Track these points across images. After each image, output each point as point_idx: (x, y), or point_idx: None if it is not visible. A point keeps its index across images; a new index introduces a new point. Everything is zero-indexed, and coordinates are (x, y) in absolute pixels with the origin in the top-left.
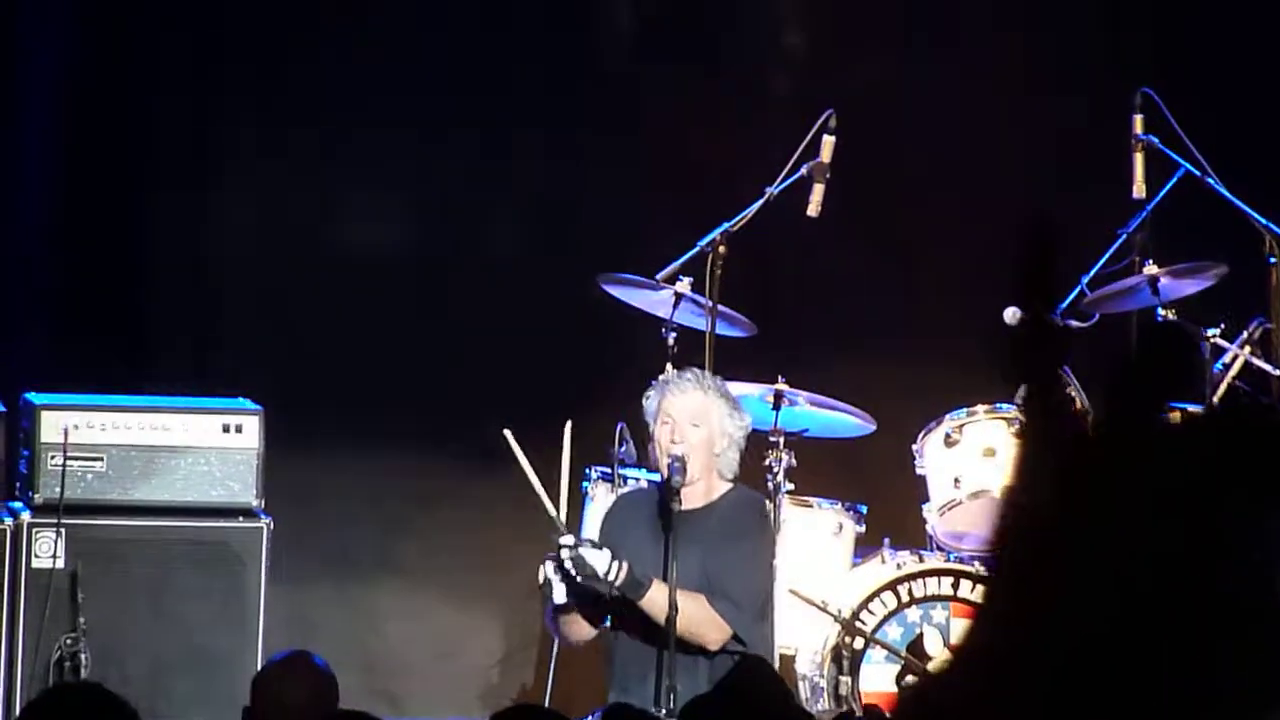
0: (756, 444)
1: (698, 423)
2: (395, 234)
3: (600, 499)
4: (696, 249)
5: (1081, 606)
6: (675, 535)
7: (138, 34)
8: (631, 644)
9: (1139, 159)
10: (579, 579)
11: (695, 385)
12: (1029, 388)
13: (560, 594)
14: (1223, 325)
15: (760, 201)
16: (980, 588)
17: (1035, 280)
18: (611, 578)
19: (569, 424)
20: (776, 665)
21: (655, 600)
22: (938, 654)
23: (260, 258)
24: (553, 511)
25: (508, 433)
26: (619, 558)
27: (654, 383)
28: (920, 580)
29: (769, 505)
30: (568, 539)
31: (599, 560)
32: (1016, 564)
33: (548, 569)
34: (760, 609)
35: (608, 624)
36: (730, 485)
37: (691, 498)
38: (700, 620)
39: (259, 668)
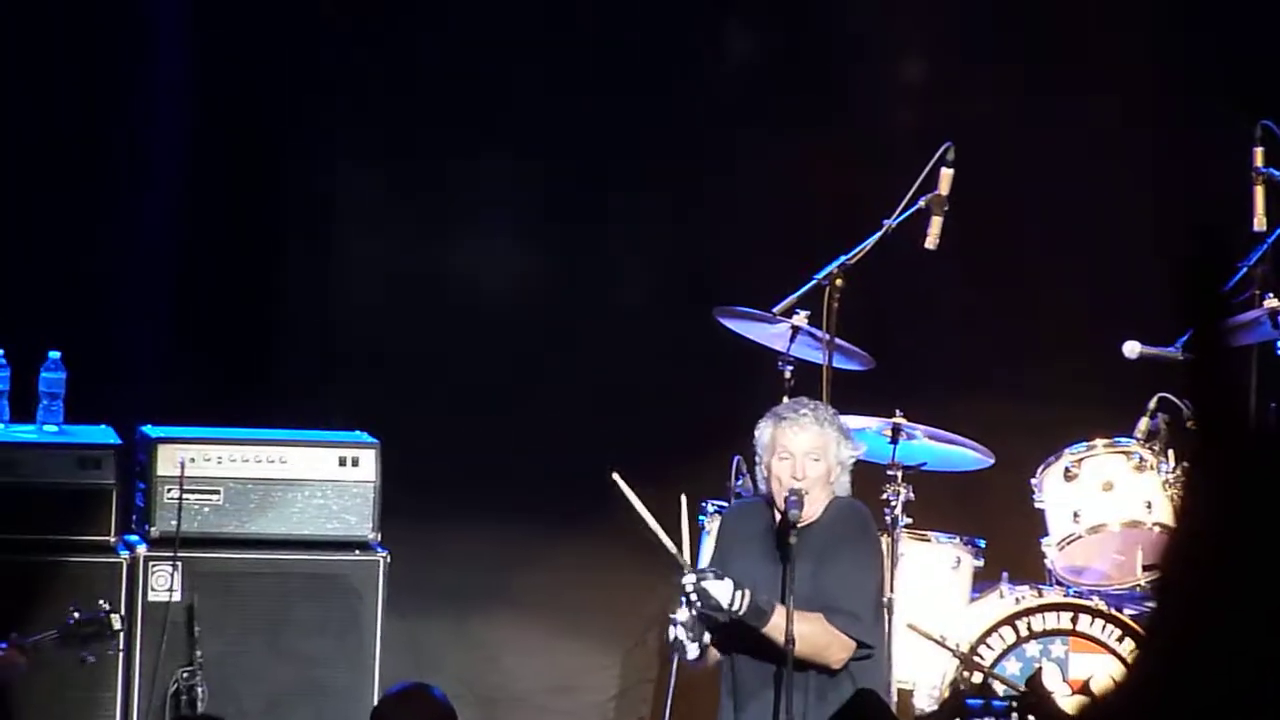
0: (874, 477)
1: (817, 457)
2: (516, 273)
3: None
4: (813, 282)
5: (1251, 636)
6: (787, 556)
7: (266, 77)
8: (748, 665)
9: (1259, 192)
10: (703, 610)
11: (813, 420)
12: (1202, 410)
13: (693, 651)
14: None
15: (878, 234)
16: (1147, 613)
17: (1205, 299)
18: (735, 608)
19: (683, 497)
20: (894, 699)
21: (778, 627)
22: (1056, 690)
23: (384, 294)
24: (672, 548)
25: (616, 476)
26: (741, 587)
27: (767, 413)
28: (1039, 615)
29: (868, 511)
30: (689, 576)
31: (722, 592)
32: (1187, 589)
33: (678, 630)
34: (876, 612)
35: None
36: (830, 497)
37: (803, 517)
38: (824, 643)
39: (375, 701)
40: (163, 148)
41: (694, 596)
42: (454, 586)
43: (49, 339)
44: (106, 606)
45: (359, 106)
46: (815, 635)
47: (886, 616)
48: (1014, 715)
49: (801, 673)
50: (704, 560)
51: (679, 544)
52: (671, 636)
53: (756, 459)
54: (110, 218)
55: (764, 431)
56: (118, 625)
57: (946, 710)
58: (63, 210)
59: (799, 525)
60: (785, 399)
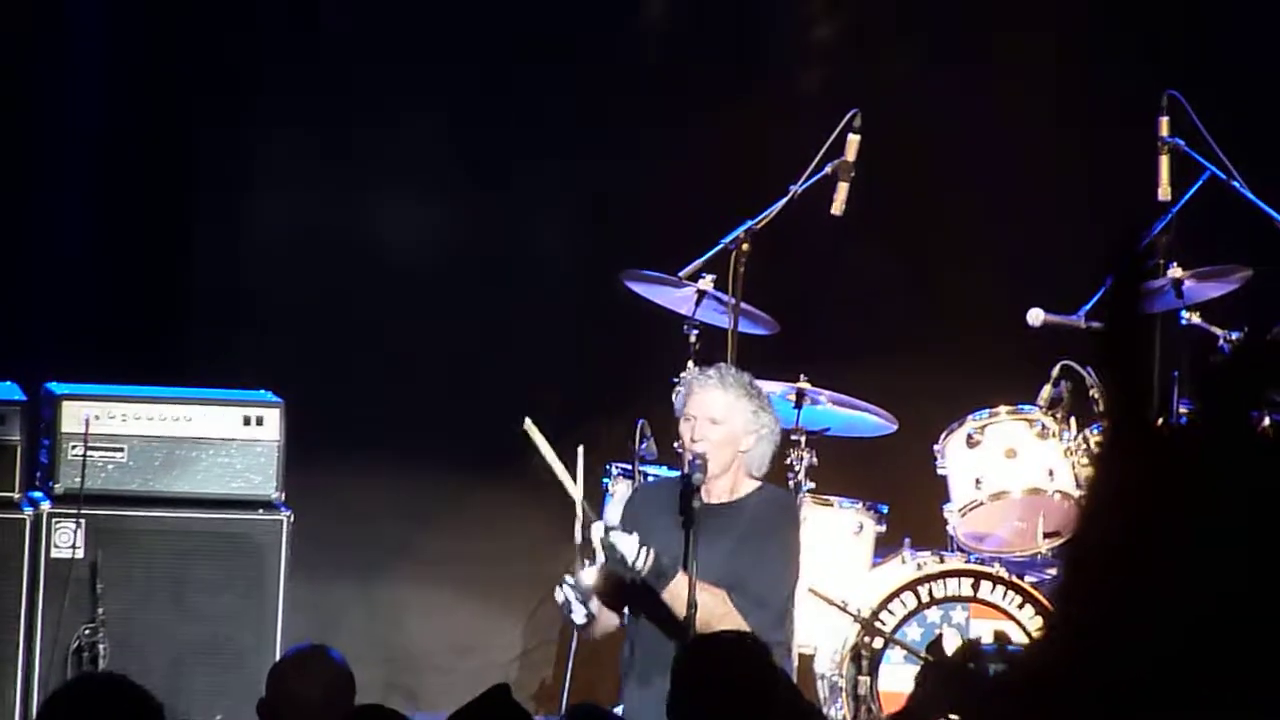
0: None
1: (718, 420)
2: (421, 231)
3: (621, 495)
4: (719, 246)
5: (1175, 601)
6: (698, 529)
7: (174, 37)
8: (651, 635)
9: (1164, 161)
10: (607, 563)
11: (717, 383)
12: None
13: (580, 615)
14: (1246, 329)
15: (784, 200)
16: (1056, 582)
17: (1127, 286)
18: (639, 565)
19: (580, 448)
20: (795, 664)
21: (677, 592)
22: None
23: (286, 253)
24: (579, 497)
25: (529, 421)
26: (647, 545)
27: (680, 380)
28: (940, 581)
29: (799, 504)
30: (599, 525)
31: (628, 546)
32: (1104, 553)
33: (566, 591)
34: (783, 610)
35: (628, 616)
36: (758, 484)
37: (716, 493)
38: (719, 615)
39: (277, 659)
40: (70, 104)
41: (601, 549)
42: (357, 546)
43: None
44: None
45: (268, 64)
46: (713, 606)
47: (792, 617)
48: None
49: None
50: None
51: (586, 497)
52: (560, 599)
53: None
54: (15, 176)
55: (678, 397)
56: None
57: (961, 654)
58: None
59: (714, 503)
60: (690, 364)
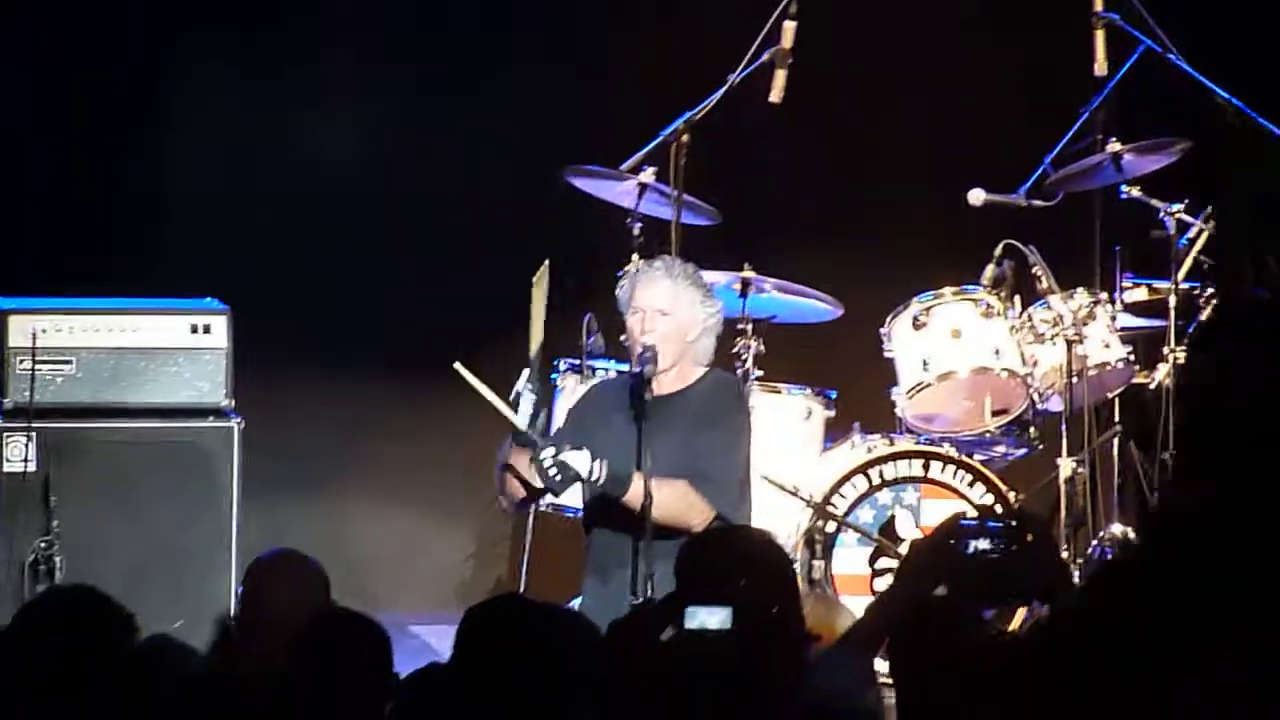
0: (724, 331)
1: (667, 311)
2: (360, 137)
3: (570, 390)
4: (660, 138)
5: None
6: (651, 422)
7: None
8: (609, 533)
9: (1100, 36)
10: (560, 480)
11: (664, 274)
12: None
13: (523, 420)
14: (1186, 201)
15: (722, 89)
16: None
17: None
18: (594, 478)
19: (459, 365)
20: None
21: (638, 493)
22: (908, 536)
23: (229, 167)
24: (523, 425)
25: (458, 365)
26: (598, 457)
27: (625, 273)
28: (891, 463)
29: (744, 386)
30: (547, 450)
31: (580, 462)
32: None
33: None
34: (741, 488)
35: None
36: (704, 370)
37: (665, 384)
38: (683, 506)
39: (233, 567)
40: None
41: (553, 470)
42: (306, 454)
43: None
44: None
45: None
46: (675, 499)
47: (749, 498)
48: (1011, 530)
49: (664, 541)
50: (556, 421)
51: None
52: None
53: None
54: None
55: (623, 291)
56: None
57: (941, 531)
58: None
59: (664, 394)
60: (634, 257)
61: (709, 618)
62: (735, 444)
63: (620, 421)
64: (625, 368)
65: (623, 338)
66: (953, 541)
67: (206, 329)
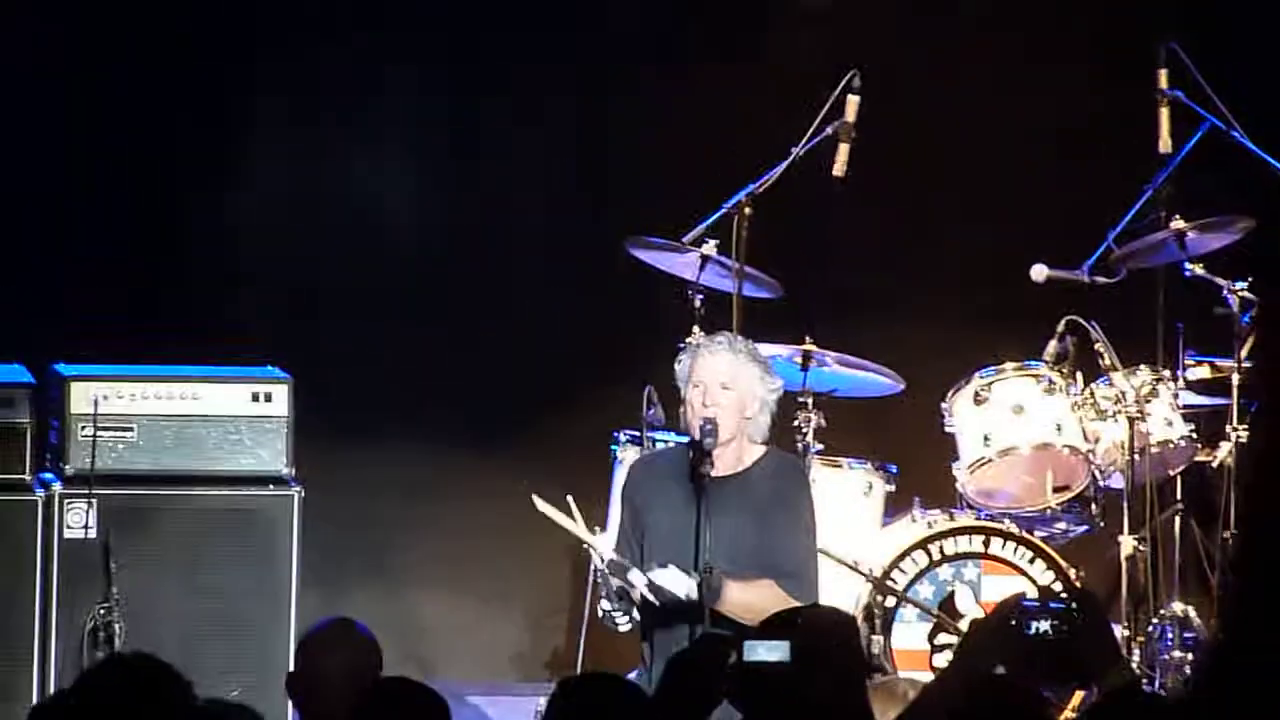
0: (785, 405)
1: (729, 385)
2: (424, 203)
3: (629, 462)
4: (722, 210)
5: None
6: (709, 500)
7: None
8: (668, 632)
9: (1164, 114)
10: (660, 604)
11: (727, 349)
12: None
13: (625, 626)
14: (1250, 279)
15: (785, 162)
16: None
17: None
18: (694, 596)
19: (570, 499)
20: None
21: (731, 600)
22: (968, 612)
23: (288, 230)
24: (608, 554)
25: (537, 500)
26: (689, 572)
27: (685, 346)
28: (951, 539)
29: (806, 465)
30: (638, 578)
31: (676, 584)
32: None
33: (606, 605)
34: (815, 578)
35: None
36: (763, 449)
37: (723, 463)
38: (774, 605)
39: (291, 635)
40: (62, 81)
41: (650, 595)
42: (367, 522)
43: None
44: None
45: (263, 32)
46: (769, 601)
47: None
48: (1073, 612)
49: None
50: (613, 509)
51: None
52: (601, 613)
53: (683, 398)
54: (15, 156)
55: (683, 364)
56: None
57: (1001, 611)
58: None
59: (725, 474)
60: (696, 329)
61: (767, 652)
62: (809, 531)
63: (673, 498)
64: (685, 440)
65: (681, 410)
66: (1013, 622)
67: (268, 397)
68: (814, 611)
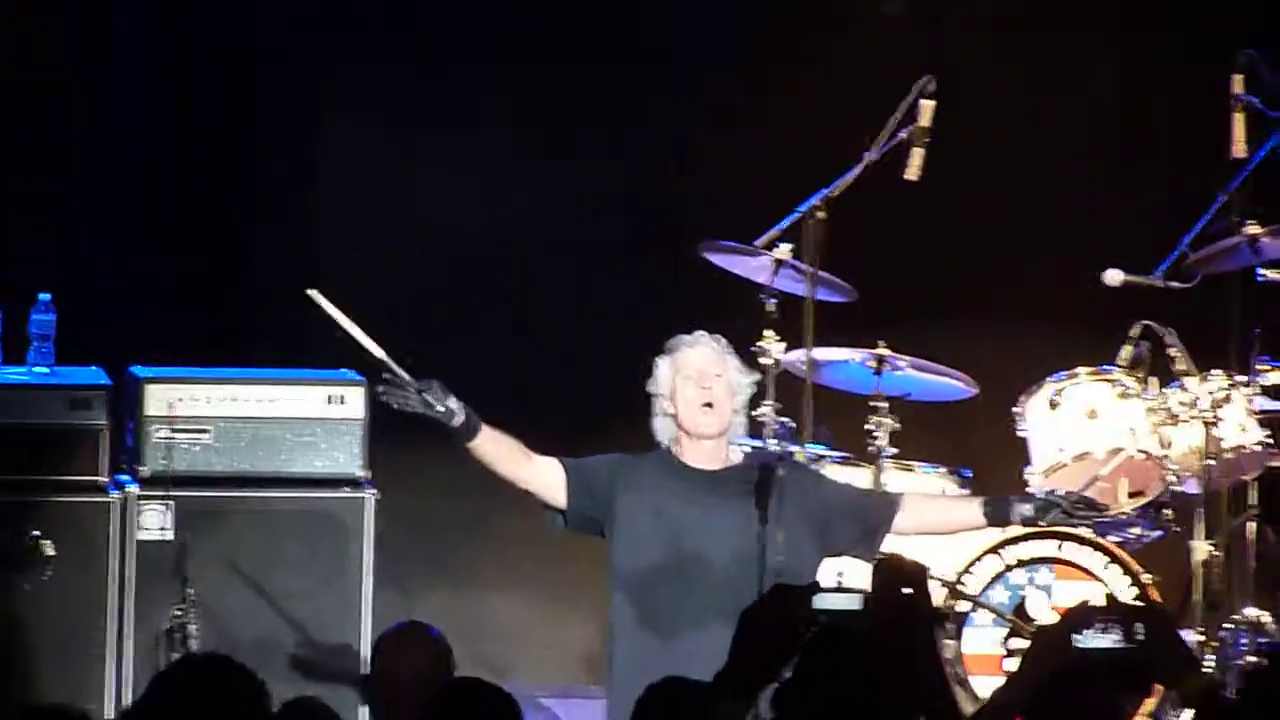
0: (859, 409)
1: (720, 374)
2: (496, 206)
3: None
4: (796, 215)
5: None
6: (704, 491)
7: (245, 13)
8: (675, 590)
9: (1239, 119)
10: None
11: (708, 342)
12: None
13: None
14: None
15: (859, 166)
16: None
17: None
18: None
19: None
20: None
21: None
22: (1041, 617)
23: (363, 233)
24: (380, 353)
25: (313, 293)
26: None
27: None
28: (1025, 543)
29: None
30: (410, 384)
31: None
32: None
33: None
34: None
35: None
36: (744, 449)
37: (709, 457)
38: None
39: (365, 638)
40: (143, 86)
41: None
42: (438, 522)
43: (39, 281)
44: (37, 533)
45: (341, 41)
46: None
47: None
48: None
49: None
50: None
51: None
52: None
53: (655, 406)
54: (97, 160)
55: (661, 367)
56: (50, 551)
57: (1064, 621)
58: (49, 154)
59: (707, 467)
60: (769, 332)
61: (840, 599)
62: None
63: (670, 494)
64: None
65: (661, 418)
66: (1076, 632)
67: (342, 399)
68: (892, 556)
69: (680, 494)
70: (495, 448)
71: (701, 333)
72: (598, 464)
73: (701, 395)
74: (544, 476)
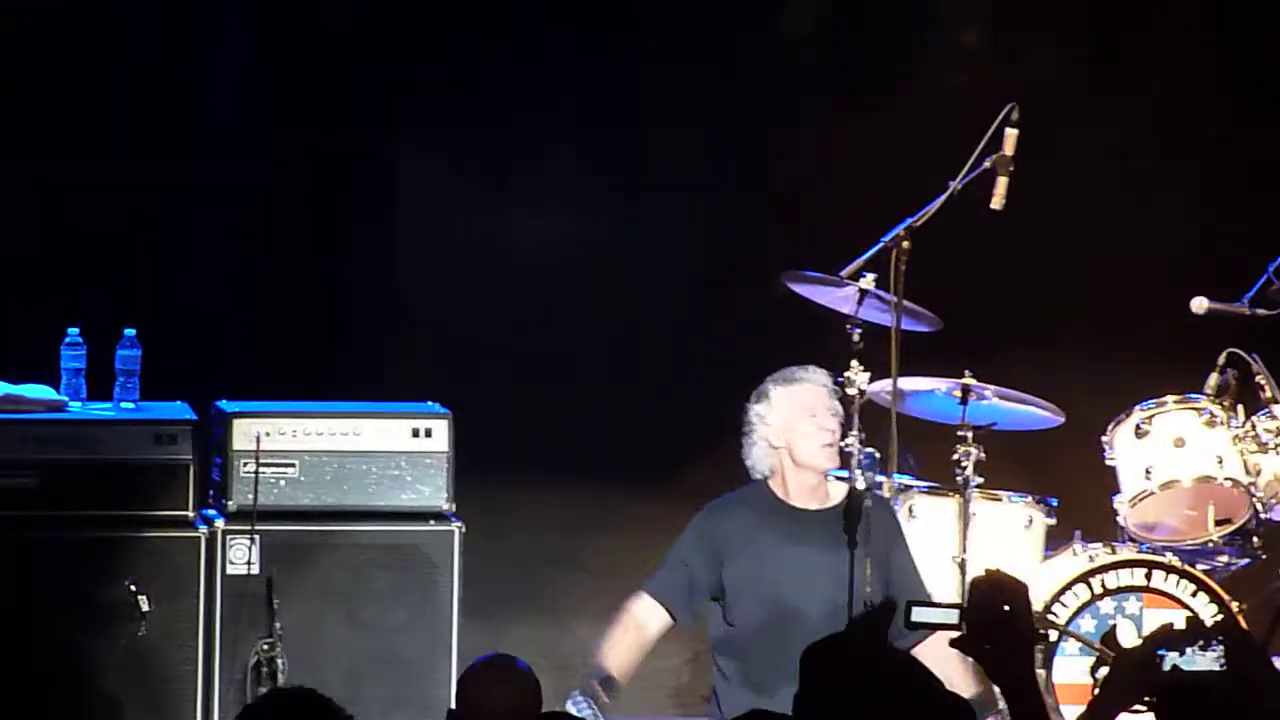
0: (945, 438)
1: (833, 409)
2: (579, 239)
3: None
4: (880, 244)
5: None
6: (801, 536)
7: (329, 49)
8: (769, 652)
9: None
10: None
11: (822, 376)
12: None
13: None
14: None
15: (943, 196)
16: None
17: None
18: None
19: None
20: None
21: None
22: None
23: (447, 265)
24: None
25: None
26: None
27: (764, 385)
28: (1113, 572)
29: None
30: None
31: None
32: None
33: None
34: None
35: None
36: (839, 482)
37: (811, 493)
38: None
39: (453, 671)
40: (228, 122)
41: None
42: (524, 555)
43: (125, 317)
44: (134, 587)
45: (422, 76)
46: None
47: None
48: (1220, 646)
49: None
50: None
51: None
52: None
53: (748, 434)
54: (181, 195)
55: (774, 397)
56: (145, 607)
57: (1147, 645)
58: (135, 188)
59: (811, 506)
60: (855, 362)
61: (937, 614)
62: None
63: (770, 539)
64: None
65: (765, 455)
66: (1158, 656)
67: (428, 433)
68: (992, 571)
69: (779, 538)
70: (630, 672)
71: (813, 366)
72: (687, 556)
73: (824, 433)
74: (655, 627)
